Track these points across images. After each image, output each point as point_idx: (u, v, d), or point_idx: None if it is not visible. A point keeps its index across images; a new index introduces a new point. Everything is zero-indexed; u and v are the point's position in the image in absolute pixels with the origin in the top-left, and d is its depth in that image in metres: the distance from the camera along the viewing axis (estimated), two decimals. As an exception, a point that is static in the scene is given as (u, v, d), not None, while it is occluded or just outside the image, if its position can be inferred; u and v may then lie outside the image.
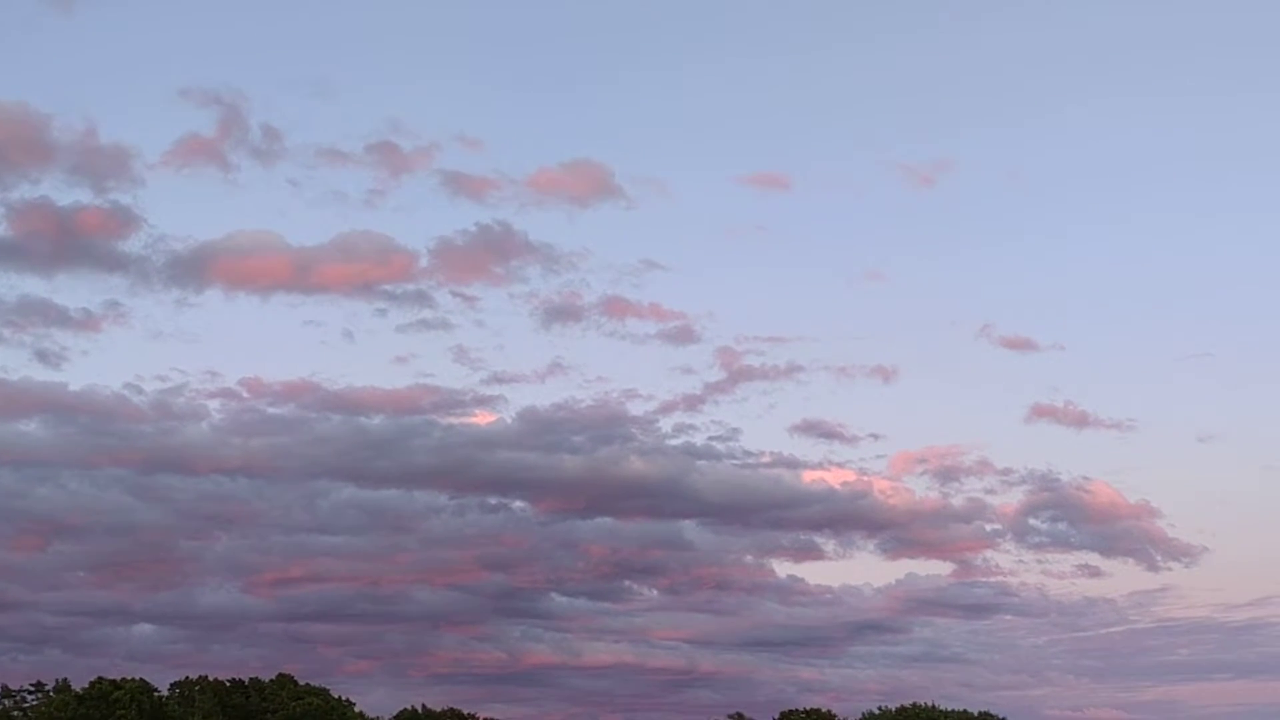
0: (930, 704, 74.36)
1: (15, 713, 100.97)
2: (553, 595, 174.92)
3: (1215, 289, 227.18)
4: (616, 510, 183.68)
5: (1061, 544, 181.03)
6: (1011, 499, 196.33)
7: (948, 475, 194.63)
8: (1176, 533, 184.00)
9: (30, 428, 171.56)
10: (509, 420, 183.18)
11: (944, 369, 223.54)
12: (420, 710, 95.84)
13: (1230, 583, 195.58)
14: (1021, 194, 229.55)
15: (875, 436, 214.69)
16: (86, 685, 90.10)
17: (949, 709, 73.03)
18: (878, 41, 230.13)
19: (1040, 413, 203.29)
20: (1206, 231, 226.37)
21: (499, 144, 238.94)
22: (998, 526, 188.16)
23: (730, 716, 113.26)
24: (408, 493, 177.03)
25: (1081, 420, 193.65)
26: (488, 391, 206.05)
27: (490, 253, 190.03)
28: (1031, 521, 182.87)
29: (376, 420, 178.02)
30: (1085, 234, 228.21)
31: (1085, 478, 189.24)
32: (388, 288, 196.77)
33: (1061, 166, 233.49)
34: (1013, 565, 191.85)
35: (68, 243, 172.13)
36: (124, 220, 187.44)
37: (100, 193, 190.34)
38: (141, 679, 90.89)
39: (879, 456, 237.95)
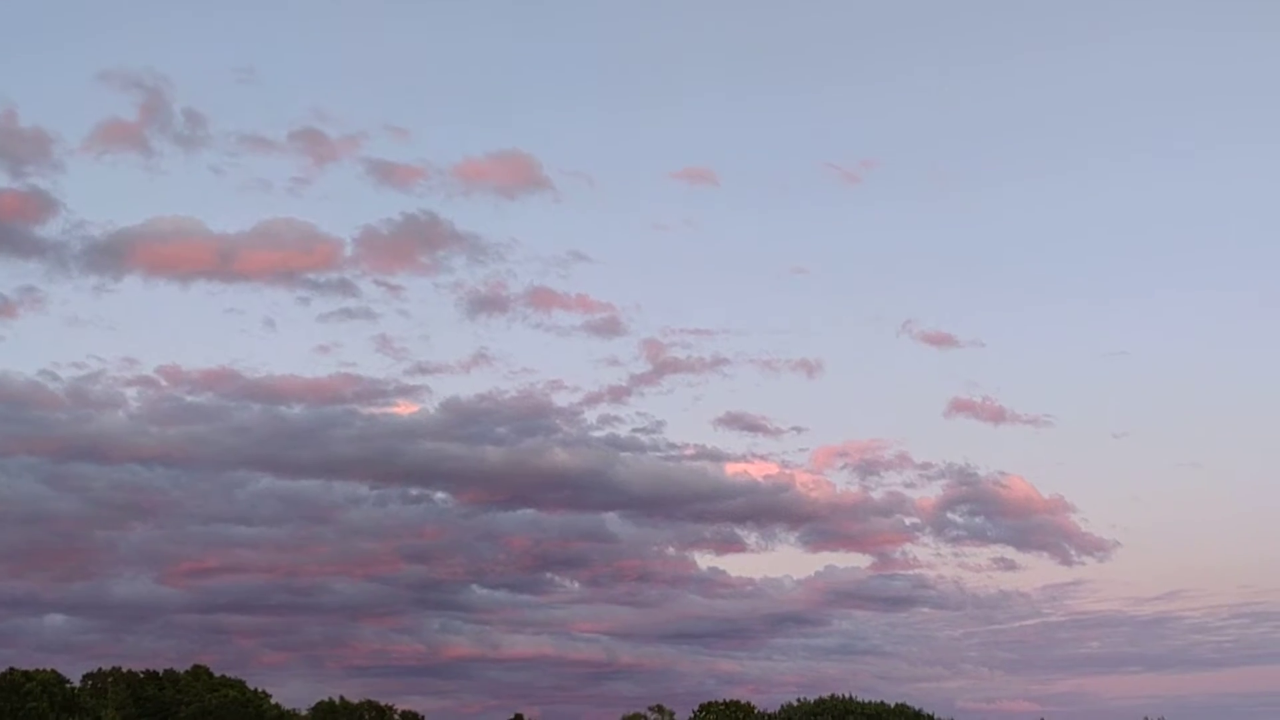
0: (847, 696, 75.10)
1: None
2: (473, 587, 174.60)
3: (1134, 287, 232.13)
4: (539, 502, 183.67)
5: (978, 537, 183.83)
6: (930, 493, 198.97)
7: (868, 469, 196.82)
8: (1090, 527, 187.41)
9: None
10: (432, 410, 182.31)
11: (866, 364, 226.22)
12: (338, 702, 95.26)
13: (1141, 577, 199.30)
14: (943, 193, 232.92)
15: (798, 430, 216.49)
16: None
17: (866, 701, 73.83)
18: (806, 38, 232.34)
19: (959, 407, 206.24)
20: (1127, 230, 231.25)
21: (426, 133, 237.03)
22: (916, 520, 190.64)
23: (650, 709, 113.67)
24: (327, 483, 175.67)
25: (999, 415, 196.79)
26: (411, 381, 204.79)
27: (416, 242, 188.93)
28: (949, 515, 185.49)
29: (297, 410, 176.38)
30: (1005, 232, 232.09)
31: (1002, 472, 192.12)
32: (311, 276, 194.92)
33: (983, 165, 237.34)
34: (930, 558, 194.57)
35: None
36: (42, 205, 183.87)
37: (18, 177, 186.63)
38: (53, 670, 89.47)
39: (801, 450, 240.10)
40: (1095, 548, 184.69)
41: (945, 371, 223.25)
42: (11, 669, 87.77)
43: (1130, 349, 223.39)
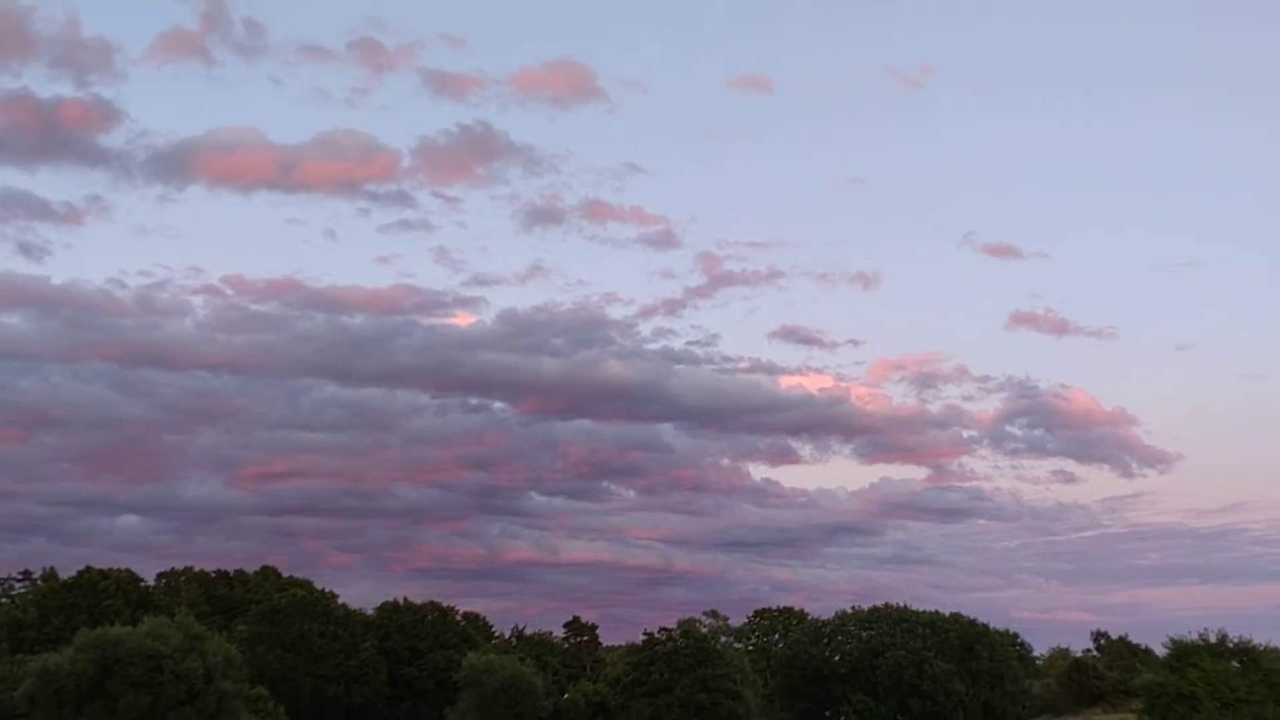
0: (902, 604, 75.99)
1: (3, 600, 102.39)
2: (532, 494, 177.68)
3: (1200, 198, 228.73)
4: (595, 412, 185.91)
5: (1037, 450, 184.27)
6: (989, 406, 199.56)
7: (926, 382, 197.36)
8: (1152, 440, 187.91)
9: (13, 321, 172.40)
10: (489, 322, 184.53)
11: (925, 276, 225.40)
12: (402, 603, 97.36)
13: (1203, 489, 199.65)
14: (1007, 100, 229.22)
15: (854, 343, 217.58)
16: (74, 574, 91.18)
17: (920, 609, 74.65)
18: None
19: (1020, 320, 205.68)
20: (1194, 141, 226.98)
21: (482, 42, 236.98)
22: (974, 433, 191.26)
23: (704, 614, 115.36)
24: (390, 391, 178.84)
25: (1061, 328, 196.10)
26: (469, 293, 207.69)
27: (472, 153, 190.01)
28: (1008, 428, 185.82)
29: (358, 319, 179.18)
30: (1071, 141, 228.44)
31: (1063, 385, 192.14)
32: (370, 187, 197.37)
33: (1048, 72, 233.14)
34: (988, 471, 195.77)
35: (49, 136, 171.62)
36: (106, 114, 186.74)
37: (82, 86, 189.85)
38: (128, 569, 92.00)
39: (857, 363, 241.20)
40: (1157, 460, 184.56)
41: (1007, 283, 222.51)
42: (88, 567, 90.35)
43: (1196, 260, 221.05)
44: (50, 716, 60.32)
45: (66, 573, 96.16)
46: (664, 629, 77.62)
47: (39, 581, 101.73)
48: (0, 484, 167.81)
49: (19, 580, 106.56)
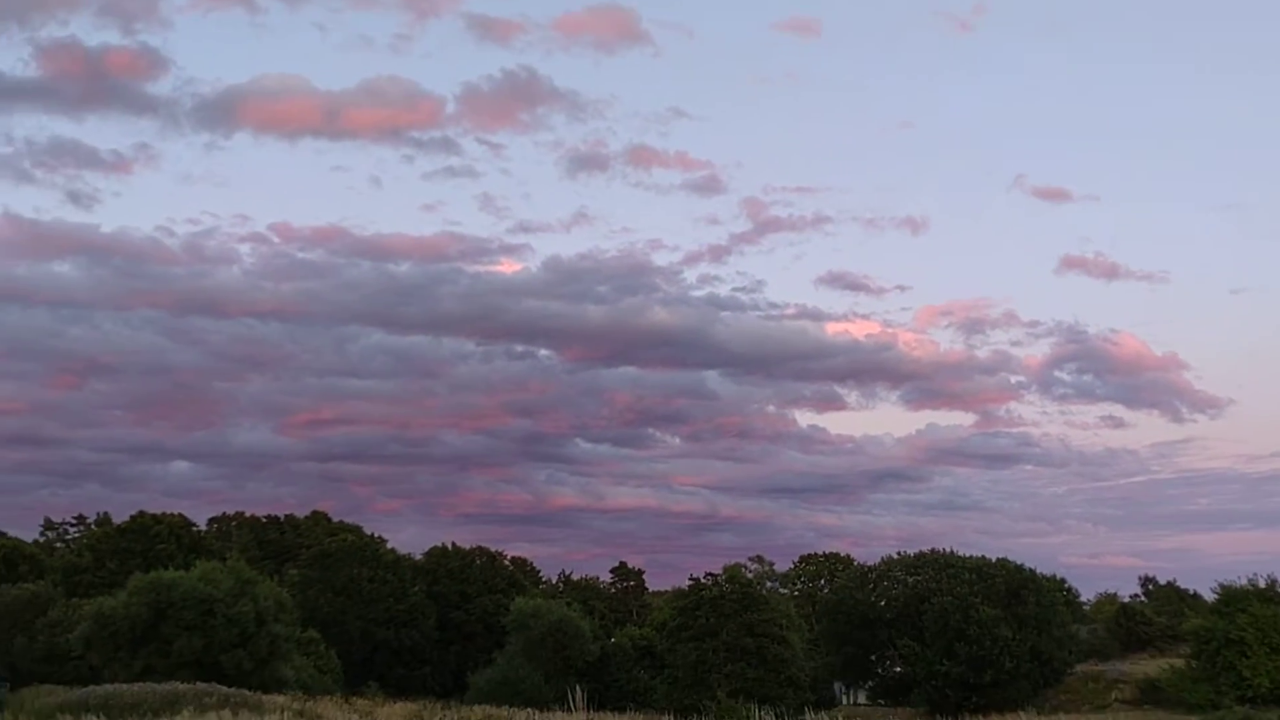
0: (948, 550, 75.81)
1: (59, 544, 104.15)
2: (578, 441, 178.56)
3: (1251, 139, 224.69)
4: (640, 359, 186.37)
5: (1086, 395, 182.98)
6: (1037, 351, 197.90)
7: (973, 327, 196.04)
8: (1203, 384, 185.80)
9: (64, 269, 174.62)
10: (534, 269, 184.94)
11: (974, 220, 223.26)
12: (450, 548, 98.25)
13: (1255, 435, 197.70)
14: (1059, 41, 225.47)
15: (902, 288, 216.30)
16: (127, 519, 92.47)
17: (966, 555, 74.44)
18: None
19: (1070, 264, 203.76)
20: (1244, 81, 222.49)
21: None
22: (1022, 378, 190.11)
23: (750, 559, 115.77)
24: (435, 339, 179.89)
25: (1112, 272, 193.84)
26: (513, 240, 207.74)
27: (516, 99, 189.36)
28: (1056, 373, 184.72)
29: (404, 267, 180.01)
30: (1123, 83, 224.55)
31: (1113, 330, 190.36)
32: (415, 134, 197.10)
33: (1099, 14, 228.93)
34: (1036, 416, 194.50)
35: (96, 84, 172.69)
36: (152, 62, 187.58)
37: (128, 34, 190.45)
38: (180, 514, 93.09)
39: (904, 309, 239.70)
40: (1208, 405, 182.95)
41: (1056, 227, 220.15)
42: (141, 512, 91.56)
43: (1249, 202, 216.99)
44: (106, 659, 61.38)
45: (120, 518, 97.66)
46: (710, 574, 77.89)
47: (93, 526, 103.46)
48: (54, 430, 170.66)
49: (73, 525, 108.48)
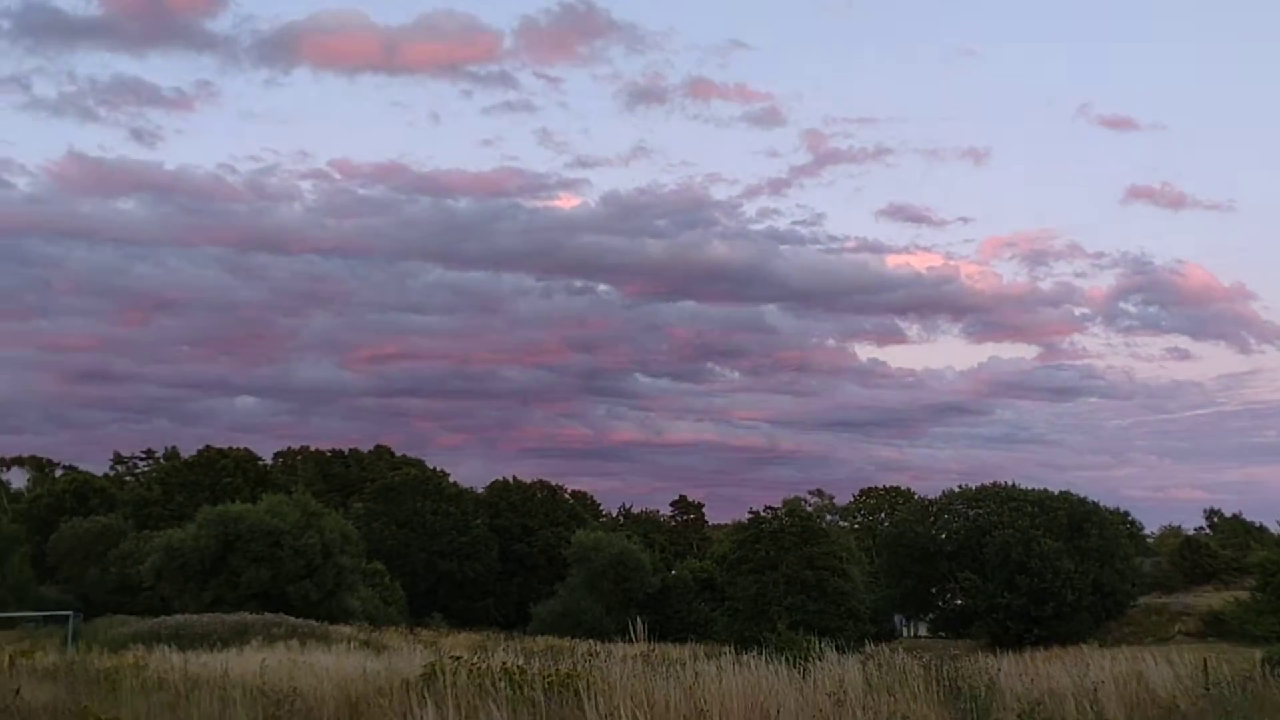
0: (1010, 483, 75.32)
1: (129, 478, 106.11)
2: (637, 375, 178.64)
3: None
4: (699, 294, 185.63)
5: (1151, 327, 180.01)
6: (1102, 283, 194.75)
7: (1037, 259, 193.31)
8: (1271, 315, 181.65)
9: (129, 206, 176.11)
10: (593, 204, 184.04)
11: (1038, 150, 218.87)
12: (511, 482, 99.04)
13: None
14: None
15: (964, 220, 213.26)
16: (195, 453, 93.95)
17: (1028, 488, 73.91)
18: None
19: (1136, 194, 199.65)
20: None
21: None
22: (1086, 310, 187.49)
23: (810, 493, 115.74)
24: (495, 274, 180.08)
25: (1179, 201, 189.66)
26: (572, 175, 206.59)
27: (573, 32, 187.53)
28: (1121, 305, 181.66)
29: (463, 203, 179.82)
30: (1189, 9, 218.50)
31: (1179, 260, 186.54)
32: (472, 69, 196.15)
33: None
34: (1100, 349, 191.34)
35: (157, 21, 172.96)
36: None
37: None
38: (246, 448, 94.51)
39: (967, 241, 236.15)
40: (1276, 336, 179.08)
41: (1123, 156, 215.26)
42: (208, 446, 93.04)
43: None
44: (176, 590, 62.64)
45: (187, 452, 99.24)
46: (769, 508, 77.98)
47: (162, 460, 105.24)
48: (123, 366, 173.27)
49: (143, 459, 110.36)
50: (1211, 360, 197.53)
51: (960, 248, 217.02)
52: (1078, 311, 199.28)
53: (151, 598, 65.11)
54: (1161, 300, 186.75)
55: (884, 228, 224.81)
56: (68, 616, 50.40)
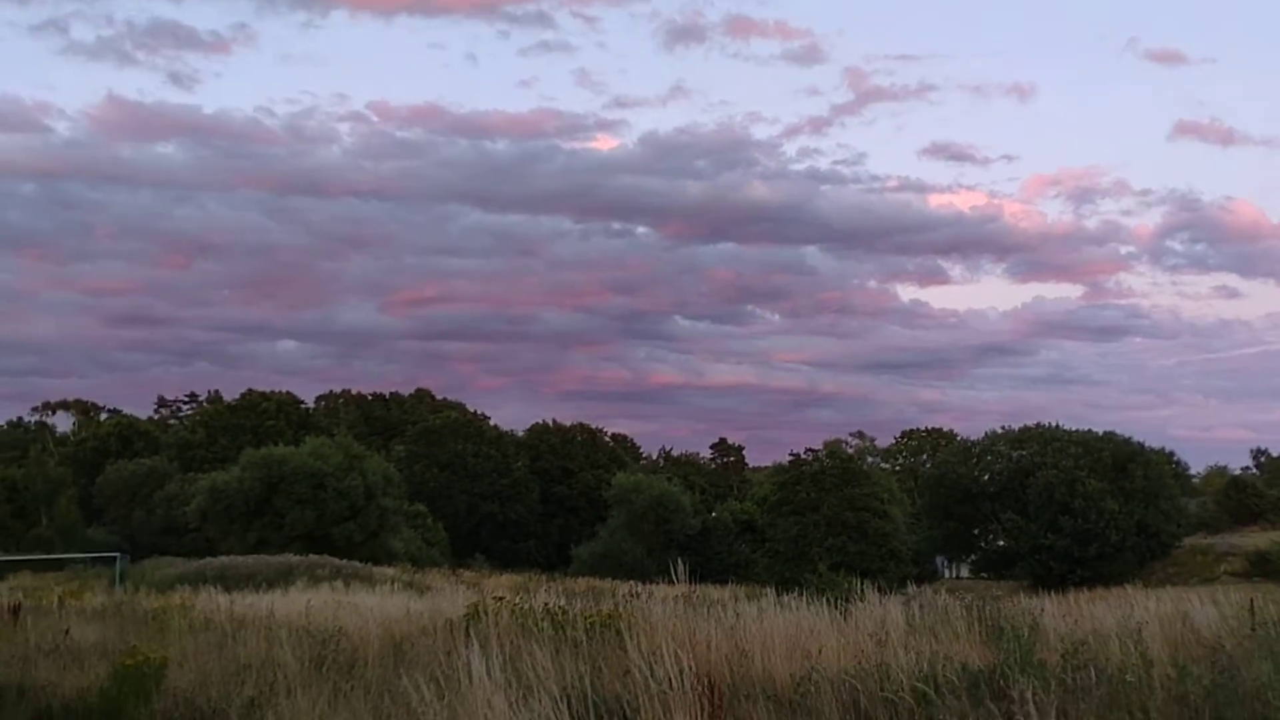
0: (1054, 424, 74.87)
1: (173, 421, 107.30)
2: (676, 318, 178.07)
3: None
4: (739, 235, 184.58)
5: (1198, 265, 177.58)
6: (1149, 220, 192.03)
7: (1083, 197, 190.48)
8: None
9: (168, 150, 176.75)
10: (631, 145, 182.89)
11: (1084, 86, 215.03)
12: (552, 424, 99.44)
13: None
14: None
15: (1008, 158, 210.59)
16: (237, 397, 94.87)
17: (1072, 429, 73.48)
18: None
19: (1184, 130, 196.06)
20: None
21: None
22: (1132, 249, 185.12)
23: (851, 435, 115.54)
24: (533, 217, 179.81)
25: (1228, 137, 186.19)
26: (610, 115, 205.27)
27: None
28: (1168, 243, 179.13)
29: (501, 145, 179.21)
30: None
31: (1228, 197, 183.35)
32: (509, 9, 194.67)
33: None
34: (1146, 287, 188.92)
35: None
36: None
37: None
38: (289, 391, 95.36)
39: (1011, 179, 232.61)
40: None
41: (1171, 92, 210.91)
42: (250, 390, 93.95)
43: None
44: (222, 530, 63.46)
45: (230, 395, 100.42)
46: (810, 450, 77.93)
47: (205, 404, 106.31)
48: (165, 310, 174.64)
49: (186, 402, 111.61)
50: (1260, 298, 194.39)
51: (1004, 186, 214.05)
52: (1123, 250, 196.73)
53: (197, 539, 66.00)
54: (1209, 238, 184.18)
55: (926, 166, 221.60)
56: (115, 558, 51.10)
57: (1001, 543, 72.41)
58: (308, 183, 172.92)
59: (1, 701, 13.06)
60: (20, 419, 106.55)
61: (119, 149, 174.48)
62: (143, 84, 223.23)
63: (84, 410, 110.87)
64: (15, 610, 19.27)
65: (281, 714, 10.51)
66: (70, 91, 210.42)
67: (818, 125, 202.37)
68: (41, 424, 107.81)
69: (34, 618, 18.70)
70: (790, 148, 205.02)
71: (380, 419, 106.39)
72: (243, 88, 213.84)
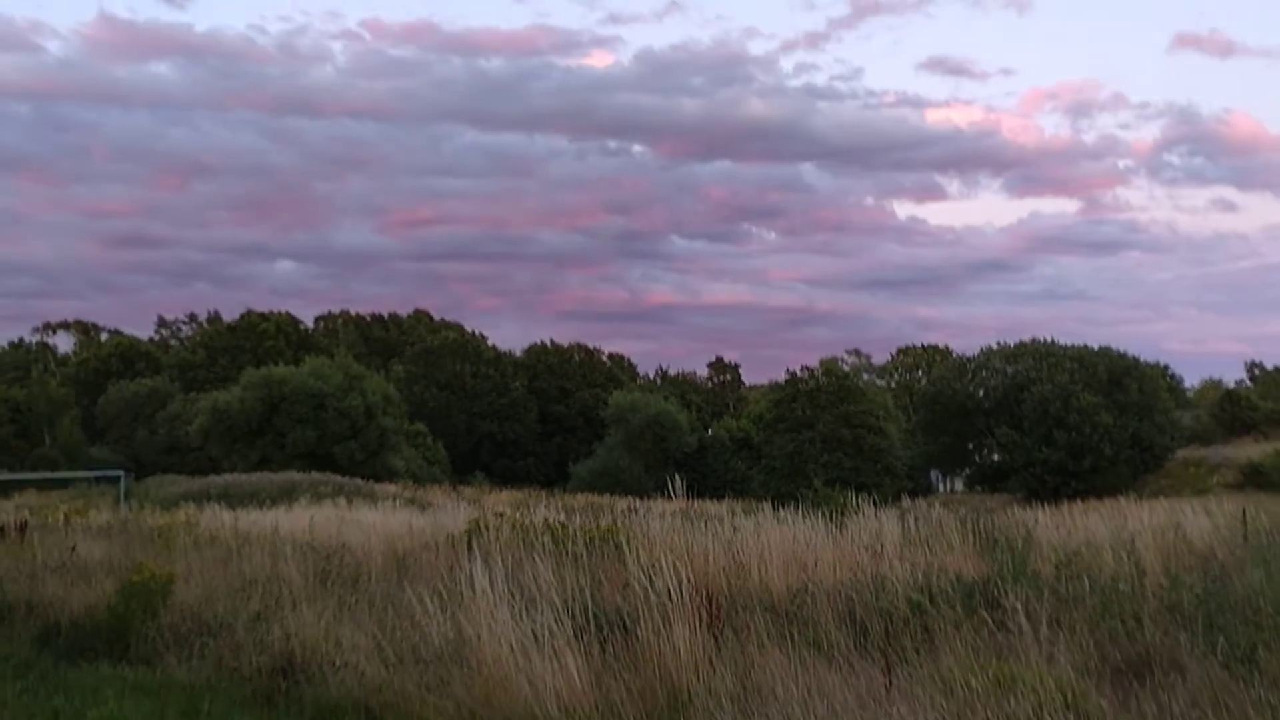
0: (1049, 339, 75.08)
1: (173, 342, 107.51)
2: (672, 237, 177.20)
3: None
4: (736, 153, 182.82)
5: (1196, 179, 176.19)
6: (1146, 134, 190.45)
7: (1080, 110, 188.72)
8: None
9: (161, 70, 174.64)
10: (626, 62, 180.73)
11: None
12: (549, 344, 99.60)
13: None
14: None
15: (1006, 72, 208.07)
16: (237, 317, 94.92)
17: (1067, 344, 73.70)
18: None
19: (1183, 41, 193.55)
20: None
21: None
22: (1130, 163, 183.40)
23: (847, 352, 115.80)
24: (528, 136, 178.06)
25: (1227, 49, 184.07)
26: (604, 31, 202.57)
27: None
28: (1166, 157, 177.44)
29: (495, 63, 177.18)
30: None
31: (1226, 109, 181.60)
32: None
33: None
34: (1143, 202, 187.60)
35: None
36: None
37: None
38: (287, 312, 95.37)
39: (1008, 93, 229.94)
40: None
41: (1169, 3, 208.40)
42: (249, 310, 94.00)
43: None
44: (224, 450, 63.88)
45: (229, 316, 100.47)
46: (806, 368, 78.22)
47: (204, 324, 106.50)
48: (162, 231, 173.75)
49: (185, 323, 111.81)
50: (1257, 211, 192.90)
51: (1002, 100, 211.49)
52: (1121, 164, 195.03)
53: (200, 458, 66.48)
54: (1207, 151, 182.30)
55: (924, 81, 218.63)
56: (119, 476, 51.50)
57: (996, 457, 72.91)
58: (302, 102, 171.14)
59: (10, 617, 13.30)
60: (21, 340, 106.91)
61: (112, 69, 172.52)
62: (134, 2, 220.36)
63: (85, 331, 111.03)
64: (22, 527, 19.48)
65: (287, 627, 10.72)
66: (61, 9, 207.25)
67: (814, 40, 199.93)
68: (43, 345, 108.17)
69: (41, 535, 18.90)
70: (787, 63, 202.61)
71: (379, 340, 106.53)
72: (234, 5, 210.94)
